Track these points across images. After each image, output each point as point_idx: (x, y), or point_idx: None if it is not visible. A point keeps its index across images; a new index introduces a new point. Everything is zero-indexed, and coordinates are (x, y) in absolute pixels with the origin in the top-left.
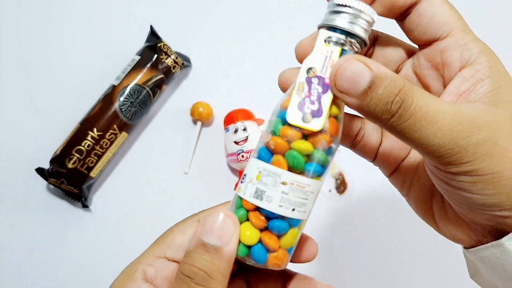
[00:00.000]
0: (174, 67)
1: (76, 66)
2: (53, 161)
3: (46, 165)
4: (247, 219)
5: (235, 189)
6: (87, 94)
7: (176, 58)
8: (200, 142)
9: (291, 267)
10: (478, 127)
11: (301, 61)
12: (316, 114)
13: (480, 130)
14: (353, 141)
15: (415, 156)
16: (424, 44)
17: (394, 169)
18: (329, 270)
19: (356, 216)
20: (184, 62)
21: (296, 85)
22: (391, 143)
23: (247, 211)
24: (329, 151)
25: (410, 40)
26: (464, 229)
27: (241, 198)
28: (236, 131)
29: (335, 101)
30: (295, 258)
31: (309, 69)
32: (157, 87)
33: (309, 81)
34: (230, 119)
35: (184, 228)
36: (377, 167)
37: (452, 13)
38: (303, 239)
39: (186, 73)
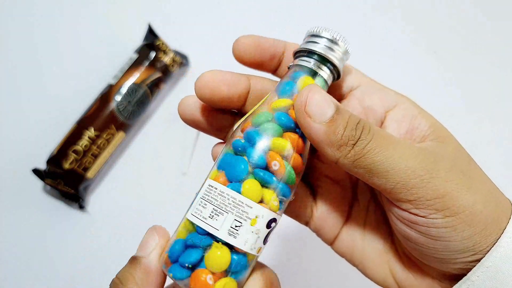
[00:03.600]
0: (172, 65)
1: (73, 65)
2: (49, 161)
3: (42, 166)
4: None
5: None
6: (84, 93)
7: (174, 56)
8: (199, 141)
9: None
10: (440, 156)
11: (183, 118)
12: None
13: (443, 158)
14: None
15: (357, 220)
16: (340, 98)
17: (336, 236)
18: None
19: None
20: (182, 61)
21: None
22: (327, 209)
23: None
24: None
25: None
26: (430, 284)
27: None
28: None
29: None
30: None
31: None
32: (155, 86)
33: None
34: None
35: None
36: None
37: (355, 70)
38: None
39: (184, 71)
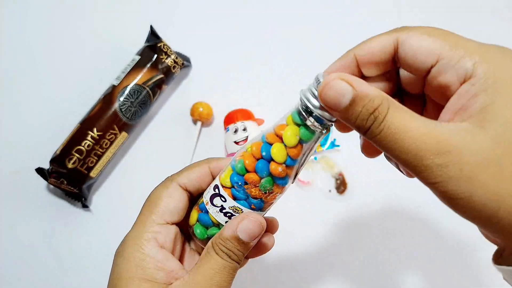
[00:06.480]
0: (174, 67)
1: (76, 66)
2: (53, 161)
3: (46, 165)
4: None
5: None
6: (87, 94)
7: (176, 58)
8: (200, 142)
9: None
10: (445, 150)
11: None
12: None
13: (447, 153)
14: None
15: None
16: (423, 78)
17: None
18: (329, 269)
19: (357, 216)
20: (184, 62)
21: None
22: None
23: None
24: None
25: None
26: None
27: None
28: (236, 131)
29: None
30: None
31: None
32: (157, 87)
33: None
34: (230, 119)
35: (170, 193)
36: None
37: (434, 39)
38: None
39: (186, 73)
